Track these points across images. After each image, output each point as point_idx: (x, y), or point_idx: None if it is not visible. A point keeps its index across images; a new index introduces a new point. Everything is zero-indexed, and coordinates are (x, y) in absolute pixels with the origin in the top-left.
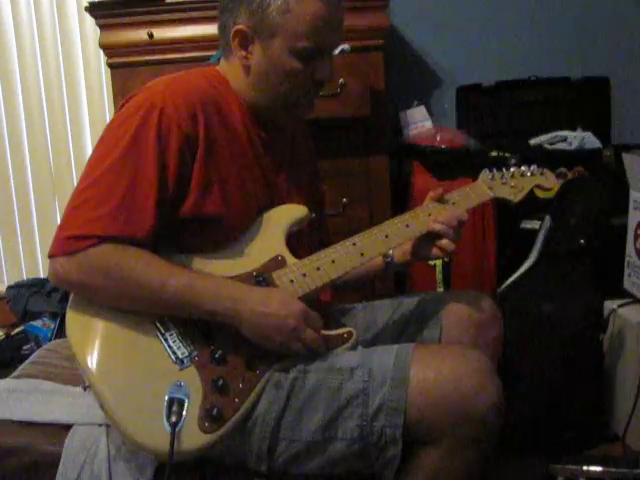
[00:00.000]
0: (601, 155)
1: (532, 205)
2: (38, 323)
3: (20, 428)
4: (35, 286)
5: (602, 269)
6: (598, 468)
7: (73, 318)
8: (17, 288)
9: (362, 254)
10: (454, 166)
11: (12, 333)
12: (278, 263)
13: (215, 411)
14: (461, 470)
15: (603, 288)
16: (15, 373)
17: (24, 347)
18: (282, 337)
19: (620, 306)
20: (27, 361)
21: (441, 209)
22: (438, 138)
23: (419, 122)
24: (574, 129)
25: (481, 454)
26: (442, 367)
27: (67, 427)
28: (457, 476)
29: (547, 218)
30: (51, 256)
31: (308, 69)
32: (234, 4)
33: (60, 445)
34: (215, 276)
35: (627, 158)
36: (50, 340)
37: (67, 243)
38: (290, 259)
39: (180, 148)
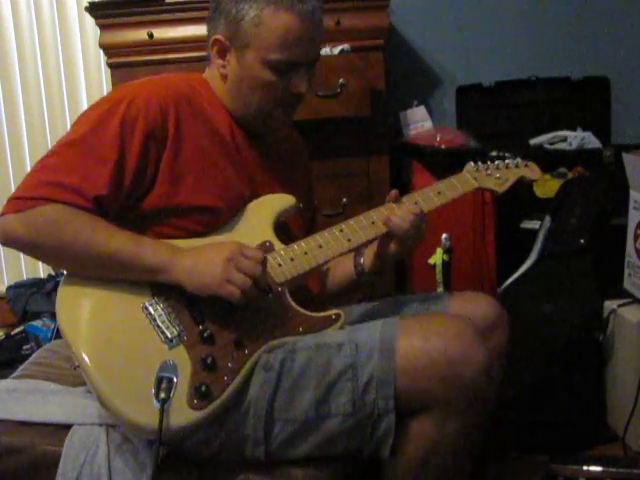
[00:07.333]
0: (601, 155)
1: (532, 205)
2: (38, 323)
3: (20, 428)
4: (35, 286)
5: (602, 269)
6: (598, 468)
7: (63, 298)
8: (17, 288)
9: (349, 240)
10: (454, 166)
11: (12, 333)
12: (266, 249)
13: (204, 388)
14: (454, 437)
15: (603, 288)
16: (15, 373)
17: (24, 347)
18: (219, 270)
19: (620, 306)
20: (27, 361)
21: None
22: (438, 138)
23: (419, 122)
24: (574, 129)
25: (474, 420)
26: (428, 334)
27: (67, 427)
28: (450, 442)
29: (547, 218)
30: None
31: (282, 81)
32: (215, 14)
33: (60, 445)
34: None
35: (627, 158)
36: (50, 340)
37: (17, 202)
38: (278, 245)
39: (143, 139)
